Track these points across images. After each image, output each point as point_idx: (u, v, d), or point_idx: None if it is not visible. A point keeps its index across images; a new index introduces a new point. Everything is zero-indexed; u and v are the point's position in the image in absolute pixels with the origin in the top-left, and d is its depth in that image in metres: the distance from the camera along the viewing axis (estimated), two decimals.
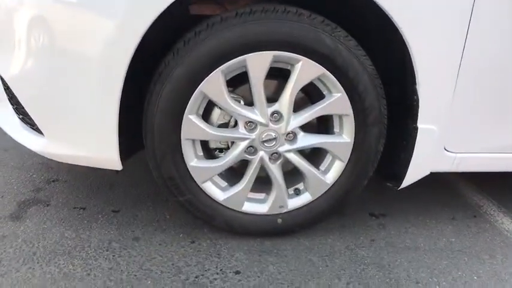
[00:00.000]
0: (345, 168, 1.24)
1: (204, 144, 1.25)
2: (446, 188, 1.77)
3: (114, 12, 1.02)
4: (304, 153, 1.29)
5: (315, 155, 1.30)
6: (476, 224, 1.51)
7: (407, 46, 1.10)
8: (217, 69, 1.08)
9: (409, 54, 1.11)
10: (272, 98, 1.18)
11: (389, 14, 1.06)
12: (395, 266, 1.23)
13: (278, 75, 1.20)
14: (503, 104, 1.22)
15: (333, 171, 1.25)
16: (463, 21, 1.10)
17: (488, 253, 1.33)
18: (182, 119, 1.13)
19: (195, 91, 1.10)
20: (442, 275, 1.21)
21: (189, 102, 1.11)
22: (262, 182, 1.27)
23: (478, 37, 1.12)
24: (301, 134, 1.21)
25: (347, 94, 1.15)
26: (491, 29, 1.13)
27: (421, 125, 1.20)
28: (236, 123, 1.19)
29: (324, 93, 1.19)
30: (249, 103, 1.18)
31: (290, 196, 1.28)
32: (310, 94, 1.26)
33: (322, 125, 1.29)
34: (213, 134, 1.16)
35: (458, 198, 1.69)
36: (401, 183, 1.29)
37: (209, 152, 1.27)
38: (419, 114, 1.18)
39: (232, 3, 1.32)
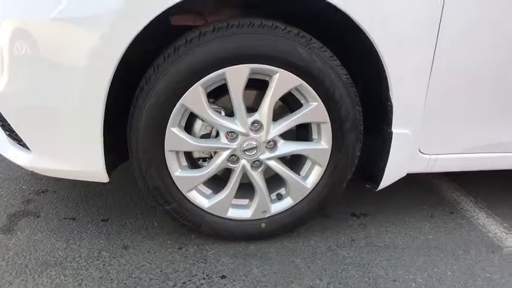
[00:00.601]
0: (324, 173, 1.29)
1: (188, 154, 1.29)
2: (426, 185, 1.83)
3: (97, 29, 1.04)
4: (285, 159, 1.34)
5: (295, 161, 1.35)
6: (453, 220, 1.58)
7: (380, 55, 1.15)
8: (197, 83, 1.12)
9: (382, 63, 1.16)
10: (253, 108, 1.22)
11: (361, 26, 1.11)
12: (374, 265, 1.29)
13: (258, 86, 1.25)
14: (472, 107, 1.28)
15: (312, 176, 1.30)
16: (432, 30, 1.15)
17: (463, 248, 1.40)
18: (165, 131, 1.16)
19: (177, 104, 1.14)
20: (419, 272, 1.27)
21: (171, 115, 1.15)
22: (246, 188, 1.32)
23: (448, 44, 1.17)
24: (281, 142, 1.26)
25: (323, 103, 1.20)
26: (461, 36, 1.18)
27: (395, 129, 1.25)
28: (218, 134, 1.23)
29: (301, 102, 1.23)
30: (230, 113, 1.22)
31: (273, 201, 1.33)
32: (290, 103, 1.31)
33: (302, 131, 1.34)
34: (195, 145, 1.21)
35: (437, 195, 1.76)
36: (379, 185, 1.35)
37: (193, 161, 1.31)
38: (393, 120, 1.24)
39: (213, 15, 1.36)
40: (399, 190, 1.70)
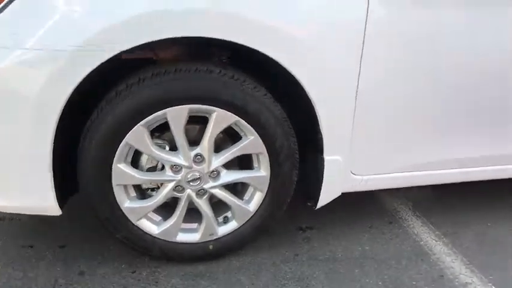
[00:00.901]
0: (264, 198, 1.40)
1: (137, 185, 1.37)
2: (370, 194, 1.96)
3: (45, 69, 1.10)
4: (229, 184, 1.44)
5: (239, 186, 1.46)
6: (390, 230, 1.72)
7: (308, 95, 1.26)
8: (139, 123, 1.20)
9: (310, 101, 1.28)
10: (196, 141, 1.31)
11: (286, 67, 1.21)
12: (312, 279, 1.42)
13: (200, 121, 1.33)
14: (394, 135, 1.42)
15: (255, 200, 1.41)
16: (354, 69, 1.27)
17: (395, 258, 1.54)
18: (111, 167, 1.25)
19: (121, 143, 1.22)
20: (352, 283, 1.41)
21: (117, 152, 1.23)
22: (195, 213, 1.42)
23: (369, 79, 1.30)
24: (224, 172, 1.36)
25: (260, 136, 1.30)
26: (380, 72, 1.31)
27: (327, 156, 1.37)
28: (164, 166, 1.32)
29: (241, 135, 1.33)
30: (175, 146, 1.31)
31: (219, 224, 1.43)
32: (232, 135, 1.41)
33: (245, 159, 1.44)
34: (141, 178, 1.29)
35: (380, 204, 1.90)
36: (317, 204, 1.48)
37: (142, 190, 1.40)
38: (324, 148, 1.36)
39: (162, 50, 1.43)
40: (345, 201, 1.81)
